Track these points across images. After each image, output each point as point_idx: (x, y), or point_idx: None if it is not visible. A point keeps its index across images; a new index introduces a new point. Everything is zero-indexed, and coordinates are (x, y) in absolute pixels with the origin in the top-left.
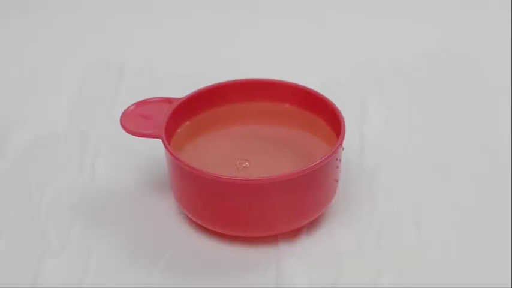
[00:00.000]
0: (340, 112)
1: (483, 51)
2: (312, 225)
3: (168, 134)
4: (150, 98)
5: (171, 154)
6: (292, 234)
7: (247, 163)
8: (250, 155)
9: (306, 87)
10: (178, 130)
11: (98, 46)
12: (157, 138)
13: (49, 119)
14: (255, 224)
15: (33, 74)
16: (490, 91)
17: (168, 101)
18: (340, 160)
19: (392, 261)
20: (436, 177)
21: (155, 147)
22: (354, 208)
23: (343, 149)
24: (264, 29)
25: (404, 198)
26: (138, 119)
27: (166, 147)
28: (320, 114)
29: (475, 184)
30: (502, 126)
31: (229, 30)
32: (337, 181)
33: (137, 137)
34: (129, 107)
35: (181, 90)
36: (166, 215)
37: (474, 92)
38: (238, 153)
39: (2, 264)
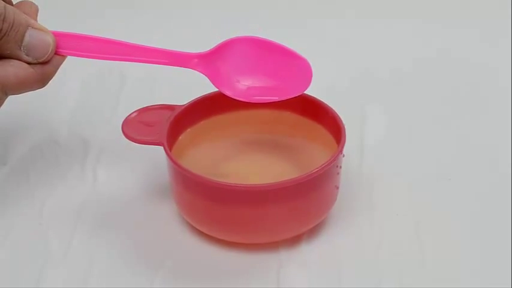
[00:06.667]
0: (340, 119)
1: (482, 58)
2: (312, 232)
3: (170, 141)
4: (152, 105)
5: (173, 161)
6: (293, 241)
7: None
8: (251, 161)
9: (306, 95)
10: (180, 137)
11: None
12: (158, 145)
13: (51, 126)
14: (256, 230)
15: None
16: (490, 98)
17: (170, 108)
18: (340, 167)
19: (393, 268)
20: (435, 184)
21: (157, 154)
22: (354, 215)
23: (343, 155)
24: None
25: (405, 205)
26: (139, 126)
27: (167, 154)
28: (321, 121)
29: (474, 191)
30: (502, 133)
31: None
32: (337, 188)
33: (139, 144)
34: (130, 114)
35: (183, 97)
36: (167, 221)
37: (474, 98)
38: (239, 160)
39: (4, 272)
